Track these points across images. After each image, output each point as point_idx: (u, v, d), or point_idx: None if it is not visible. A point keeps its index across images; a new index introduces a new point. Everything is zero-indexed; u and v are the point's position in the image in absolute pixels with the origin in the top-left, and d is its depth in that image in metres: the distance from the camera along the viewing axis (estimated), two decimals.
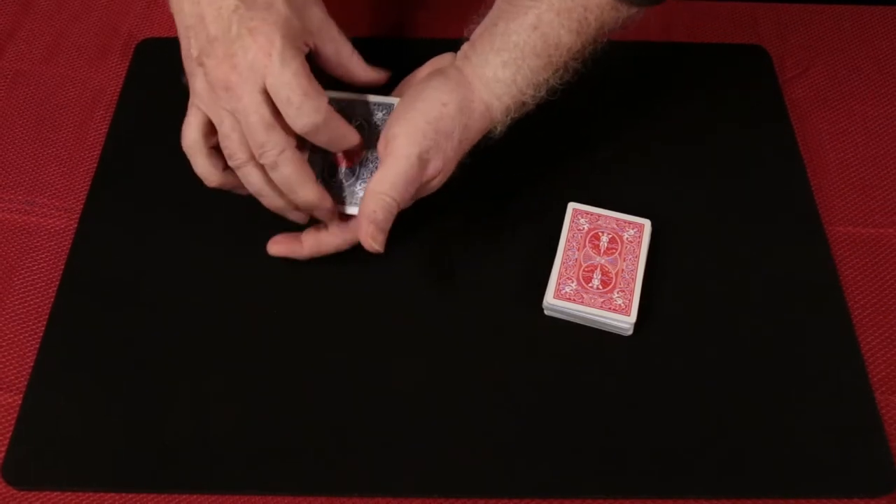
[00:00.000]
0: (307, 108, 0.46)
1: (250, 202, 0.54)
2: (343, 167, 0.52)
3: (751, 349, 0.52)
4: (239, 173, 0.49)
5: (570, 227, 0.55)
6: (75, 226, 0.57)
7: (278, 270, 0.55)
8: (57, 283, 0.55)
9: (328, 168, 0.52)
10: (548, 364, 0.52)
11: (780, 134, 0.62)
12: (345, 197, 0.51)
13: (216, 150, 0.49)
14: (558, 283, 0.52)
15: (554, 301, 0.52)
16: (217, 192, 0.59)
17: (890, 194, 0.60)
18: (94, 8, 0.71)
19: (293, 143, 0.47)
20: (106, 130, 0.62)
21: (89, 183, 0.59)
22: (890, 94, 0.65)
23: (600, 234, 0.54)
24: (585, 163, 0.61)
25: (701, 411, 0.50)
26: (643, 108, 0.64)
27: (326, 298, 0.54)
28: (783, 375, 0.51)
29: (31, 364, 0.52)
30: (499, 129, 0.51)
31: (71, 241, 0.57)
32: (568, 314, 0.52)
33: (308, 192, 0.48)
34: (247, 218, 0.57)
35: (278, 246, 0.54)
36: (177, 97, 0.61)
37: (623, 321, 0.51)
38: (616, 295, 0.52)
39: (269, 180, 0.48)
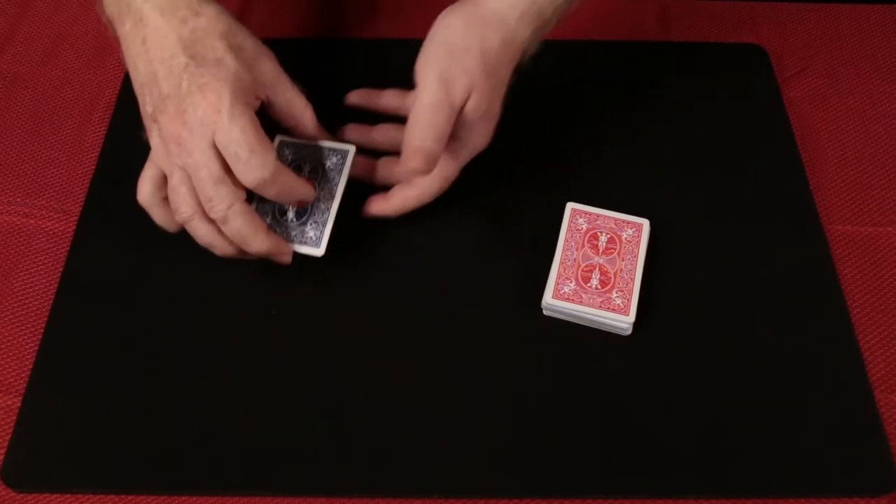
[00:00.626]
0: (254, 164, 0.47)
1: None
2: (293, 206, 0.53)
3: (750, 349, 0.52)
4: (187, 227, 0.50)
5: (569, 226, 0.55)
6: (74, 228, 0.57)
7: (276, 272, 0.54)
8: (56, 285, 0.55)
9: (278, 207, 0.53)
10: (547, 364, 0.52)
11: (778, 133, 0.62)
12: (294, 236, 0.52)
13: None
14: (557, 283, 0.52)
15: (553, 301, 0.52)
16: None
17: (888, 193, 0.60)
18: (92, 10, 0.71)
19: (242, 195, 0.48)
20: (104, 132, 0.62)
21: (88, 185, 0.59)
22: (888, 93, 0.65)
23: (599, 233, 0.54)
24: (584, 162, 0.61)
25: (700, 411, 0.50)
26: (642, 108, 0.64)
27: (325, 299, 0.54)
28: (782, 375, 0.51)
29: (31, 366, 0.52)
30: (520, 38, 0.51)
31: (70, 243, 0.57)
32: (567, 314, 0.52)
33: (260, 242, 0.49)
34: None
35: (374, 205, 0.55)
36: None
37: (622, 321, 0.51)
38: (615, 295, 0.52)
39: (219, 231, 0.49)
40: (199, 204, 0.48)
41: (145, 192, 0.50)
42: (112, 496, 0.48)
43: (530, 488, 0.48)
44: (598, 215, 0.55)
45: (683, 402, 0.50)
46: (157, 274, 0.55)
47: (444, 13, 0.51)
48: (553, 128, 0.62)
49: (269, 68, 0.51)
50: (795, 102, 0.65)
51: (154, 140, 0.49)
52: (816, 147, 0.62)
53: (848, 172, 0.61)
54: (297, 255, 0.52)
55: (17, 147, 0.62)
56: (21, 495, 0.47)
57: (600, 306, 0.51)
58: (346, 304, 0.54)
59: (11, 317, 0.54)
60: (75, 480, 0.48)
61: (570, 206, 0.56)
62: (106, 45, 0.68)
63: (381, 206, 0.54)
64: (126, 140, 0.62)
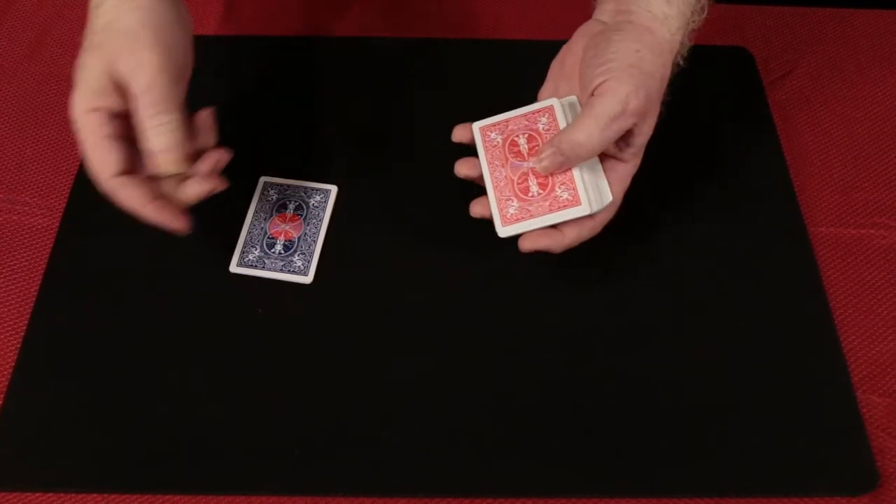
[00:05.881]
0: None
1: (234, 204, 0.54)
2: (281, 240, 0.56)
3: (733, 349, 0.52)
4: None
5: (485, 146, 0.51)
6: (58, 224, 0.57)
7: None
8: (39, 281, 0.54)
9: (267, 241, 0.55)
10: (543, 364, 0.52)
11: (763, 135, 0.63)
12: (283, 266, 0.54)
13: None
14: (500, 209, 0.49)
15: (505, 228, 0.49)
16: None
17: (871, 195, 0.60)
18: (78, 3, 0.70)
19: None
20: None
21: (72, 181, 0.59)
22: (871, 96, 0.66)
23: (516, 138, 0.50)
24: None
25: (682, 411, 0.50)
26: None
27: (312, 297, 0.54)
28: (765, 375, 0.52)
29: (13, 364, 0.51)
30: (682, 63, 0.52)
31: (53, 239, 0.56)
32: (525, 232, 0.49)
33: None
34: (229, 218, 0.57)
35: (531, 241, 0.49)
36: None
37: (577, 212, 0.48)
38: (559, 191, 0.48)
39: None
40: None
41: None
42: (95, 495, 0.47)
43: (516, 488, 0.48)
44: (507, 120, 0.51)
45: (665, 403, 0.50)
46: (142, 272, 0.55)
47: (616, 34, 0.50)
48: None
49: None
50: (780, 105, 0.65)
51: None
52: (801, 149, 0.63)
53: (832, 175, 0.61)
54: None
55: (1, 142, 0.62)
56: (3, 493, 0.47)
57: (550, 210, 0.48)
58: (334, 303, 0.54)
59: None
60: (58, 479, 0.47)
61: (476, 126, 0.51)
62: None
63: (554, 239, 0.49)
64: None
